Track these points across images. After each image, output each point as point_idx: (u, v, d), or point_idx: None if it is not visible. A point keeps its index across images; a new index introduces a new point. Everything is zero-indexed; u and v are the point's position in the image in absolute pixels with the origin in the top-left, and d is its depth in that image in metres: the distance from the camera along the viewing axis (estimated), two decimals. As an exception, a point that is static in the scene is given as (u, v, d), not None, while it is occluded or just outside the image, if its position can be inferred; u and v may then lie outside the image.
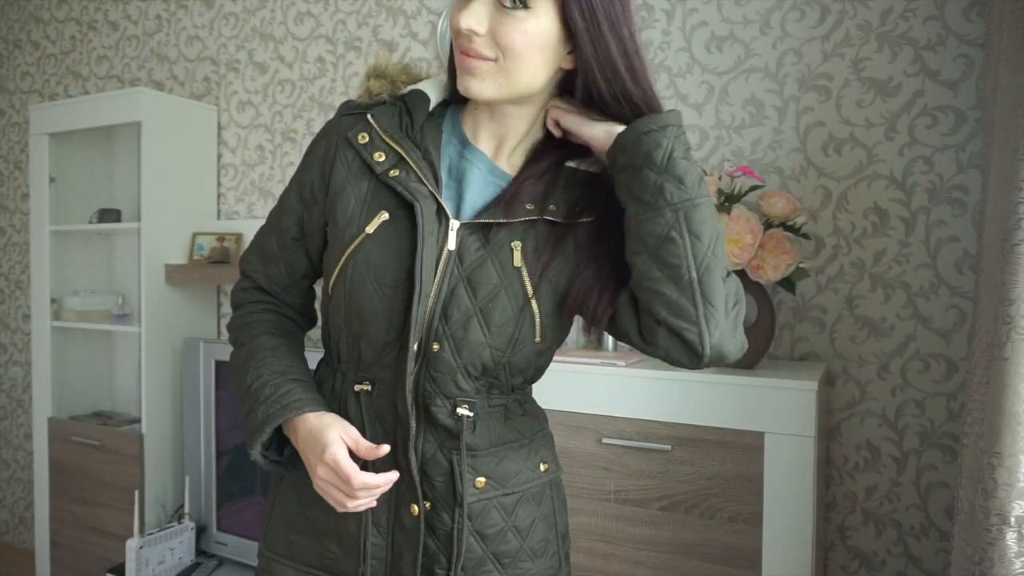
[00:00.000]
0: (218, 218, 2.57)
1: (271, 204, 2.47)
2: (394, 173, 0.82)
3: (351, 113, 0.88)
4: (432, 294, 0.81)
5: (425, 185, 0.82)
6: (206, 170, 2.53)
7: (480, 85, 0.78)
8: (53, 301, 2.51)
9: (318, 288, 0.95)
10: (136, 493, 2.23)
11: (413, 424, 0.82)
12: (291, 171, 2.43)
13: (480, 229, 0.83)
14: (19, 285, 3.09)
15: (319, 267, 0.92)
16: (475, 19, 0.75)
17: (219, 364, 2.26)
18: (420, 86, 0.88)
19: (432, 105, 0.87)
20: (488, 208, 0.84)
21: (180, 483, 2.39)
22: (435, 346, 0.81)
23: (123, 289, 2.66)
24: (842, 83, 1.65)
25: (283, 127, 2.45)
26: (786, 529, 1.35)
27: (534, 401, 0.96)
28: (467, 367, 0.81)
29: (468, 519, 0.84)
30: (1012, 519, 1.02)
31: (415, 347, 0.80)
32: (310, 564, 0.89)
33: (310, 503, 0.87)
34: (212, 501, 2.28)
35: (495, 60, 0.77)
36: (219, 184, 2.58)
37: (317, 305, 0.98)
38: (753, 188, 1.51)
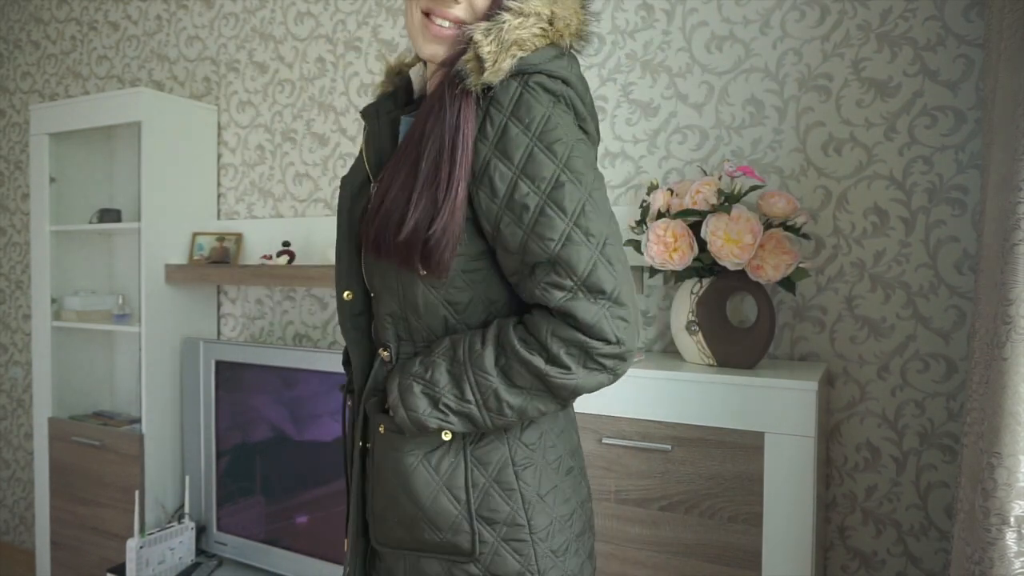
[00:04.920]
0: (218, 218, 2.57)
1: (271, 204, 2.47)
2: (359, 151, 0.96)
3: None
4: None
5: (360, 161, 0.93)
6: (206, 170, 2.53)
7: (444, 51, 0.85)
8: (53, 301, 2.52)
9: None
10: (136, 493, 2.24)
11: (356, 368, 0.95)
12: (291, 171, 2.43)
13: None
14: (19, 285, 3.09)
15: None
16: None
17: (219, 364, 2.26)
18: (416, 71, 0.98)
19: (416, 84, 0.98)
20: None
21: (180, 483, 2.39)
22: (347, 294, 0.93)
23: (123, 289, 2.66)
24: (842, 83, 1.65)
25: (283, 127, 2.45)
26: (786, 529, 1.35)
27: None
28: (383, 311, 0.90)
29: (375, 462, 0.92)
30: (1012, 519, 1.02)
31: (345, 295, 0.93)
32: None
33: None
34: (212, 501, 2.28)
35: (467, 24, 0.83)
36: (219, 184, 2.58)
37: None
38: (753, 188, 1.51)
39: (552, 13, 0.81)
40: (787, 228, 1.51)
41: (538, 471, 0.88)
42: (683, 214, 1.51)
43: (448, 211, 0.79)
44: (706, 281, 1.55)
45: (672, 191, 1.60)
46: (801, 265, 1.51)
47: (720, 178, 1.57)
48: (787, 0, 1.70)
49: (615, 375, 0.79)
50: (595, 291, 0.77)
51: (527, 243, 0.78)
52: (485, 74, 0.78)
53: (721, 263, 1.47)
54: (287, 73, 2.44)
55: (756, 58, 1.73)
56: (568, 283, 0.77)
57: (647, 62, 1.86)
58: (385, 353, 0.90)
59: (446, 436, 0.85)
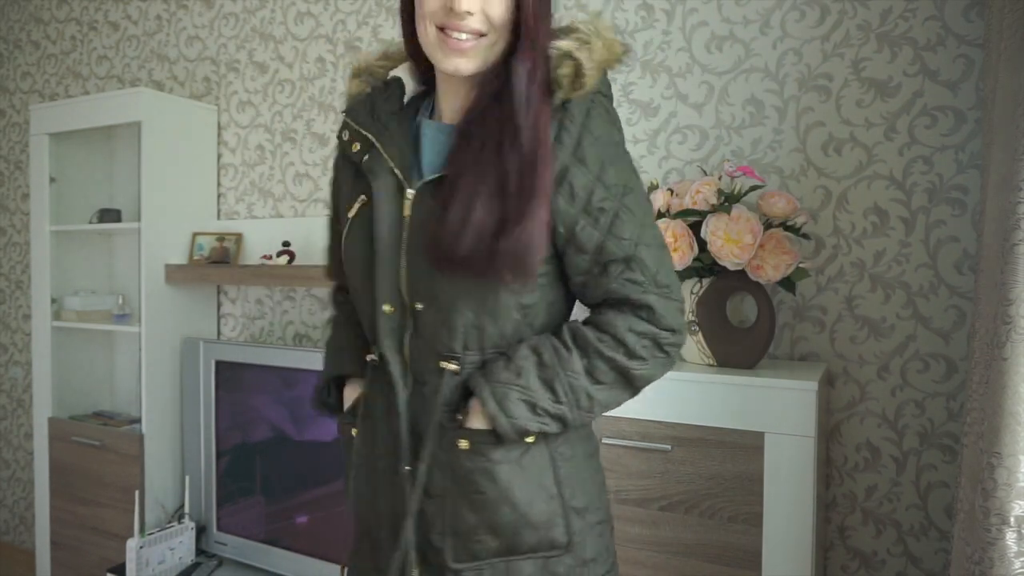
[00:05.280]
0: (218, 218, 2.57)
1: (271, 204, 2.47)
2: (366, 159, 0.90)
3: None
4: (403, 261, 0.87)
5: (387, 162, 0.89)
6: (206, 170, 2.53)
7: (470, 63, 0.86)
8: (53, 301, 2.52)
9: None
10: (136, 493, 2.24)
11: (399, 387, 0.89)
12: (291, 171, 2.43)
13: (432, 189, 0.87)
14: (19, 285, 3.09)
15: None
16: (477, 1, 0.83)
17: (219, 364, 2.26)
18: (400, 72, 0.97)
19: (413, 87, 0.96)
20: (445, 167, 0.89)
21: (180, 483, 2.39)
22: (418, 306, 0.87)
23: (123, 289, 2.66)
24: (842, 83, 1.65)
25: (283, 127, 2.45)
26: (786, 529, 1.35)
27: None
28: (447, 320, 0.86)
29: (456, 482, 0.86)
30: (1012, 519, 1.02)
31: (385, 309, 0.88)
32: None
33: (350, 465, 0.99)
34: (212, 501, 2.28)
35: (485, 35, 0.85)
36: (219, 184, 2.58)
37: None
38: (753, 188, 1.51)
39: (604, 39, 0.91)
40: (787, 228, 1.51)
41: (587, 459, 0.95)
42: (683, 214, 1.51)
43: (539, 218, 0.82)
44: (706, 281, 1.55)
45: (672, 191, 1.60)
46: (801, 265, 1.51)
47: (720, 178, 1.57)
48: (787, 0, 1.70)
49: (674, 361, 0.90)
50: (662, 286, 0.86)
51: (604, 243, 0.85)
52: (581, 89, 0.86)
53: (721, 263, 1.47)
54: (287, 73, 2.44)
55: (756, 58, 1.73)
56: (642, 279, 0.86)
57: (647, 62, 1.86)
58: (453, 365, 0.87)
59: (530, 439, 0.87)
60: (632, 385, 0.88)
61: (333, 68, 2.35)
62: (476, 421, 0.86)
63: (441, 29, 0.85)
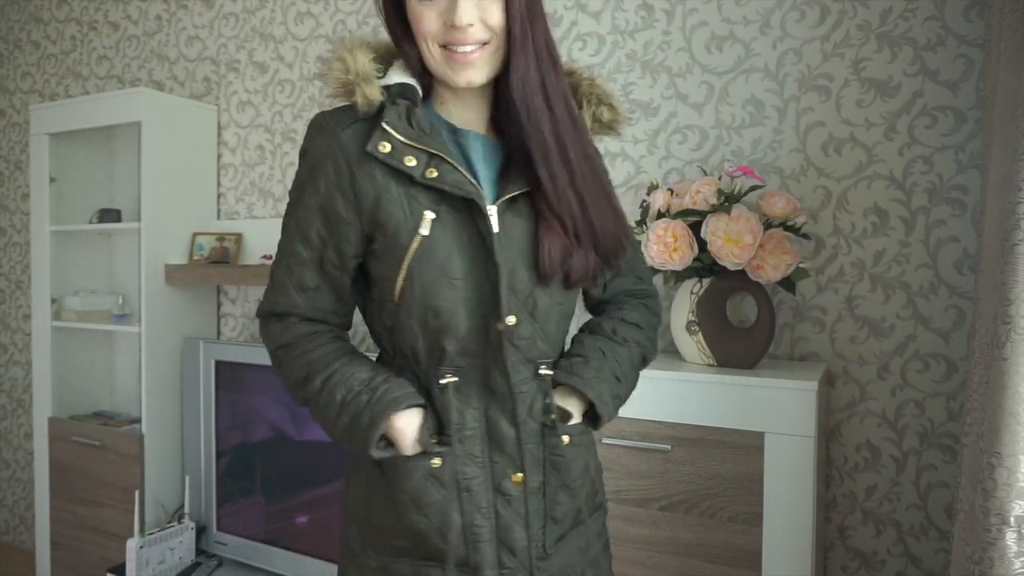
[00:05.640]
0: (218, 218, 2.57)
1: (271, 204, 2.47)
2: (431, 173, 0.84)
3: (349, 126, 0.87)
4: (502, 275, 0.86)
5: (463, 176, 0.85)
6: (206, 170, 2.53)
7: (480, 72, 0.86)
8: (53, 301, 2.52)
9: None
10: (136, 493, 2.24)
11: (515, 395, 0.88)
12: (291, 171, 2.43)
13: (508, 203, 0.88)
14: (19, 285, 3.09)
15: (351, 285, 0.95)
16: (475, 12, 0.82)
17: (219, 364, 2.26)
18: (404, 79, 0.89)
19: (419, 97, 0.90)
20: (504, 182, 0.90)
21: (180, 483, 2.39)
22: (511, 320, 0.86)
23: (123, 289, 2.66)
24: (842, 83, 1.65)
25: (283, 127, 2.45)
26: (786, 529, 1.35)
27: None
28: (543, 329, 0.90)
29: (557, 472, 0.91)
30: (1012, 519, 1.02)
31: (508, 321, 0.86)
32: (423, 559, 0.90)
33: (408, 508, 0.88)
34: (212, 501, 2.28)
35: (488, 43, 0.84)
36: (219, 184, 2.58)
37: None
38: (753, 188, 1.51)
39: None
40: (787, 228, 1.51)
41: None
42: (683, 214, 1.51)
43: (622, 214, 0.95)
44: (706, 281, 1.55)
45: (672, 191, 1.60)
46: (801, 265, 1.51)
47: (720, 178, 1.57)
48: (787, 0, 1.70)
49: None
50: (651, 279, 1.08)
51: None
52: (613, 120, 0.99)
53: (721, 263, 1.47)
54: (287, 73, 2.44)
55: (756, 58, 1.73)
56: (644, 274, 1.07)
57: (647, 62, 1.86)
58: (548, 371, 0.92)
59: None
60: (645, 364, 1.03)
61: (333, 68, 2.35)
62: (576, 416, 0.94)
63: (443, 46, 0.85)
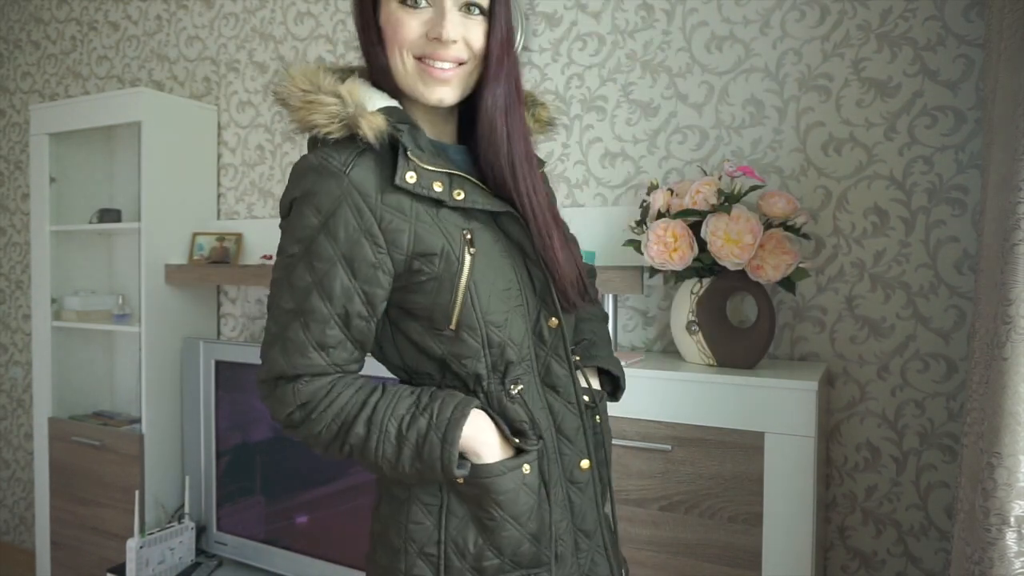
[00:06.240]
0: (218, 218, 2.57)
1: (271, 204, 2.47)
2: (459, 195, 0.83)
3: (356, 164, 0.80)
4: (540, 282, 0.91)
5: (485, 190, 0.87)
6: (206, 170, 2.53)
7: (453, 91, 0.85)
8: (53, 301, 2.52)
9: None
10: (136, 493, 2.24)
11: (576, 385, 0.93)
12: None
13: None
14: (19, 285, 3.09)
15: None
16: (461, 29, 0.82)
17: (219, 364, 2.26)
18: (388, 102, 0.85)
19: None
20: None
21: (180, 483, 2.39)
22: (553, 321, 0.91)
23: (123, 289, 2.66)
24: (842, 83, 1.65)
25: (283, 127, 2.45)
26: (786, 529, 1.35)
27: None
28: (567, 320, 0.95)
29: (600, 450, 0.98)
30: (1012, 519, 1.02)
31: (552, 323, 0.91)
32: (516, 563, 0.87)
33: (500, 525, 0.84)
34: (212, 501, 2.28)
35: (465, 63, 0.84)
36: (219, 184, 2.58)
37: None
38: (753, 188, 1.51)
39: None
40: (787, 228, 1.51)
41: None
42: (683, 214, 1.51)
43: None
44: (706, 281, 1.55)
45: (672, 191, 1.60)
46: (801, 265, 1.51)
47: (720, 178, 1.57)
48: (787, 0, 1.70)
49: None
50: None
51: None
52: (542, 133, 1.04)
53: (721, 263, 1.47)
54: (287, 73, 2.44)
55: (756, 58, 1.73)
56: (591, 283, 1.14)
57: (647, 62, 1.86)
58: (575, 356, 0.99)
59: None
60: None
61: (333, 68, 2.35)
62: (603, 392, 1.03)
63: (419, 59, 0.83)
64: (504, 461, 0.84)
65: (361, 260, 0.80)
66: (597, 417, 0.98)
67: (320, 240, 0.80)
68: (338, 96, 0.80)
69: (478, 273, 0.83)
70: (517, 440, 0.86)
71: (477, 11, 0.83)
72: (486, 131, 0.87)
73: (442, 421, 0.81)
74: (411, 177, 0.80)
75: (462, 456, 0.83)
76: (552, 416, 0.91)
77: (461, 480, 0.82)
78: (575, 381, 0.92)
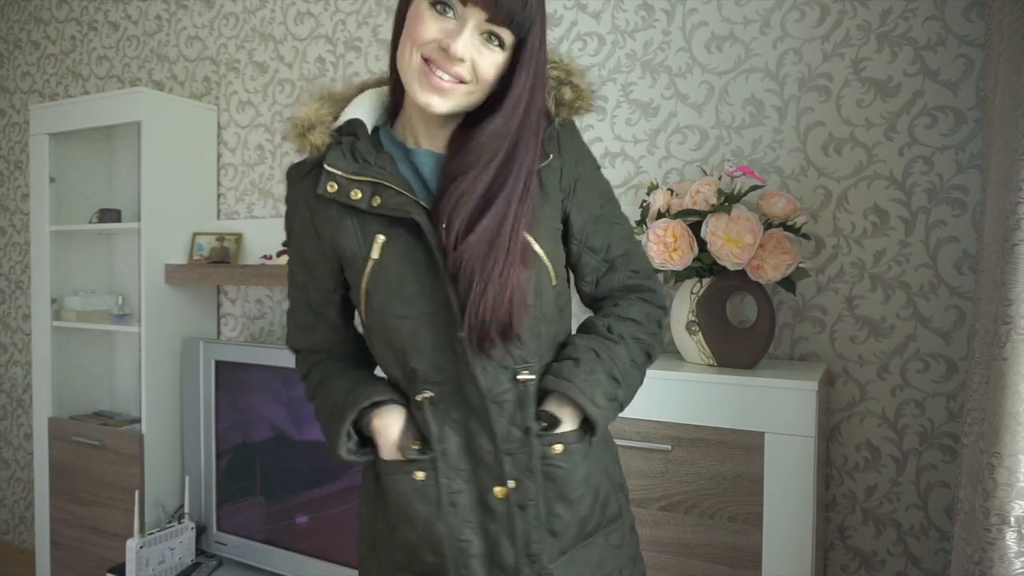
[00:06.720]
0: (218, 218, 2.57)
1: (271, 204, 2.47)
2: (376, 202, 0.87)
3: (307, 174, 0.93)
4: (450, 288, 0.86)
5: (407, 197, 0.86)
6: (206, 170, 2.53)
7: (445, 103, 0.85)
8: (53, 301, 2.52)
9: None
10: (136, 493, 2.24)
11: (490, 406, 0.87)
12: (291, 171, 2.43)
13: None
14: (19, 285, 3.09)
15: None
16: (472, 49, 0.83)
17: (219, 364, 2.26)
18: (353, 114, 0.93)
19: (369, 128, 0.93)
20: None
21: (180, 483, 2.39)
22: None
23: (123, 289, 2.66)
24: (842, 83, 1.65)
25: (283, 127, 2.45)
26: (786, 529, 1.35)
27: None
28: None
29: (553, 483, 0.88)
30: (1012, 519, 1.02)
31: (460, 335, 0.84)
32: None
33: (397, 520, 0.91)
34: (212, 501, 2.28)
35: (466, 84, 0.85)
36: (219, 184, 2.58)
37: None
38: (753, 188, 1.51)
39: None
40: (787, 228, 1.51)
41: (611, 439, 1.04)
42: (683, 214, 1.51)
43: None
44: (706, 281, 1.55)
45: (672, 191, 1.60)
46: (801, 265, 1.51)
47: (720, 178, 1.57)
48: (787, 0, 1.70)
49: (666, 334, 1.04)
50: (652, 273, 1.01)
51: (609, 245, 0.98)
52: (574, 113, 0.97)
53: (721, 263, 1.47)
54: (287, 73, 2.44)
55: (756, 58, 1.73)
56: (641, 269, 0.99)
57: (647, 62, 1.86)
58: (530, 376, 0.89)
59: None
60: (651, 361, 0.98)
61: (333, 68, 2.35)
62: (568, 423, 0.89)
63: (425, 60, 0.84)
64: (392, 461, 0.90)
65: (308, 256, 0.95)
66: (558, 447, 0.88)
67: (289, 238, 0.99)
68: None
69: (380, 278, 0.87)
70: (416, 446, 0.89)
71: (496, 42, 0.84)
72: (466, 147, 0.87)
73: (348, 404, 0.91)
74: (332, 187, 0.89)
75: (365, 444, 0.93)
76: (466, 433, 0.88)
77: (345, 457, 0.91)
78: (485, 401, 0.86)
